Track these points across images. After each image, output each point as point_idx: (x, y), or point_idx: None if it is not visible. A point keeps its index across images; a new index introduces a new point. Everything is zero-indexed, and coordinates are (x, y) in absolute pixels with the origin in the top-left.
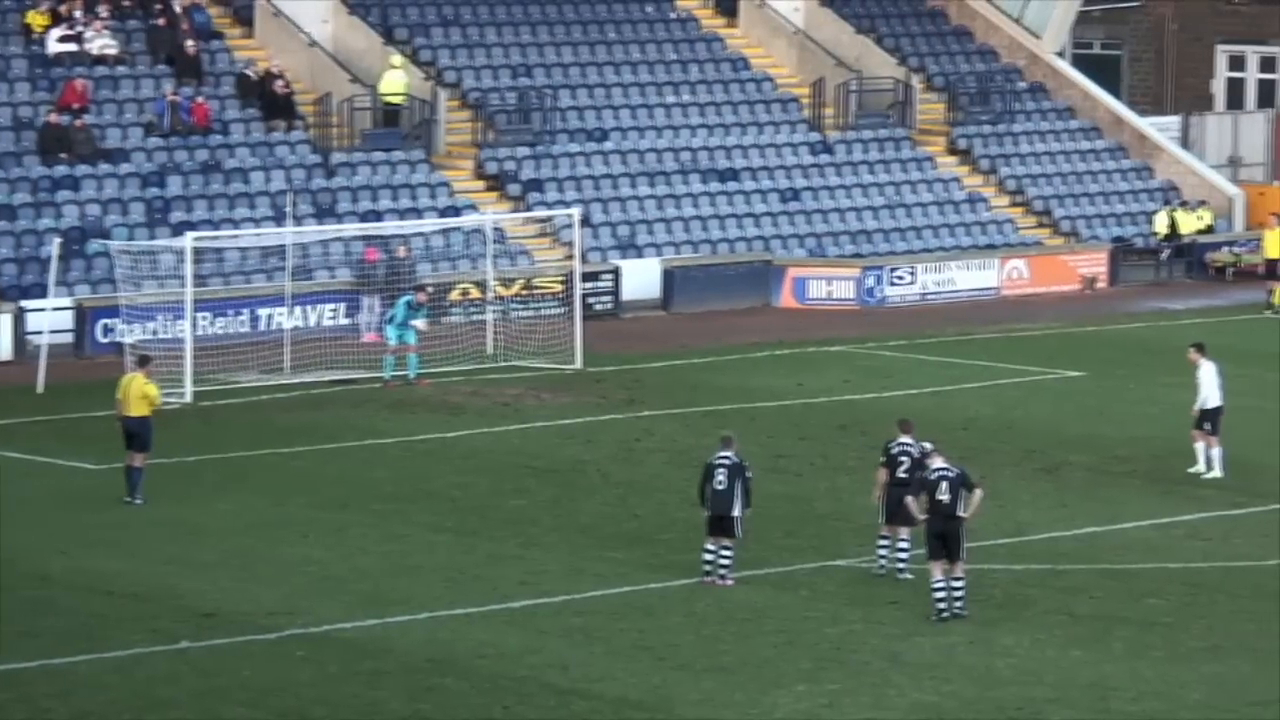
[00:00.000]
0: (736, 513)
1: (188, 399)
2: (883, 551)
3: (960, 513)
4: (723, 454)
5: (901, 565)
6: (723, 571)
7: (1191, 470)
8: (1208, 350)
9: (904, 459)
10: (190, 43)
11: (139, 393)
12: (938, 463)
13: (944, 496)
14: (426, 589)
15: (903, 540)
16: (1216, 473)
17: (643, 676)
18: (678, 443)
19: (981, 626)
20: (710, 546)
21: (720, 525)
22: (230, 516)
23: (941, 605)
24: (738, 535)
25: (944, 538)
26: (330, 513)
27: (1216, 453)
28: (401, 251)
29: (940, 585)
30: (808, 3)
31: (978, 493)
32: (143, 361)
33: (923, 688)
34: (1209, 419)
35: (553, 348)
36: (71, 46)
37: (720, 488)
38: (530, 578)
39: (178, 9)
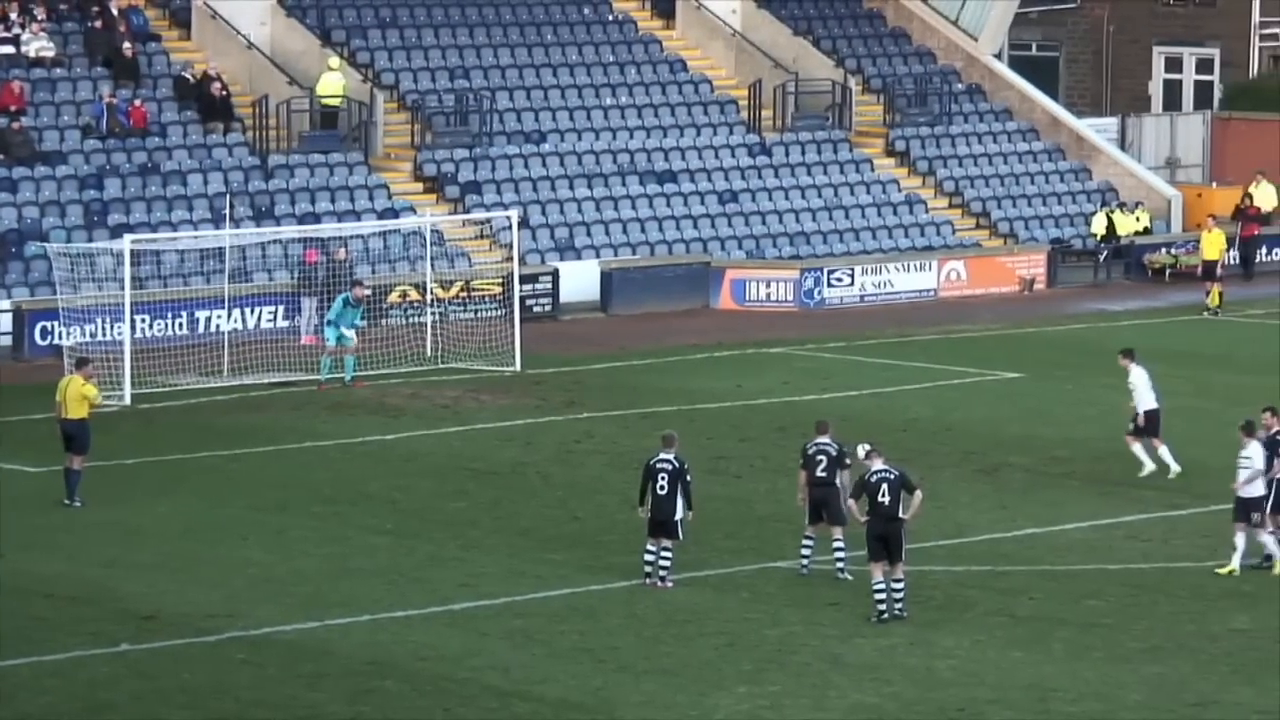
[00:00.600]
0: (679, 516)
1: (126, 401)
2: (806, 552)
3: (901, 514)
4: (664, 456)
5: (840, 566)
6: (663, 573)
7: (1143, 474)
8: (1137, 355)
9: (821, 458)
10: (127, 45)
11: (77, 394)
12: (878, 464)
13: (884, 499)
14: (367, 591)
15: (837, 540)
16: (1175, 468)
17: (584, 679)
18: (618, 445)
19: (922, 628)
20: (651, 548)
21: (663, 528)
22: (169, 519)
23: (882, 606)
24: (679, 538)
25: (885, 539)
26: (270, 515)
27: (1165, 450)
28: (341, 254)
29: (880, 586)
30: (745, 4)
31: (918, 495)
32: (81, 363)
33: (863, 689)
34: (1149, 422)
35: (492, 350)
36: (8, 49)
37: (662, 492)
38: (471, 580)
39: (115, 11)
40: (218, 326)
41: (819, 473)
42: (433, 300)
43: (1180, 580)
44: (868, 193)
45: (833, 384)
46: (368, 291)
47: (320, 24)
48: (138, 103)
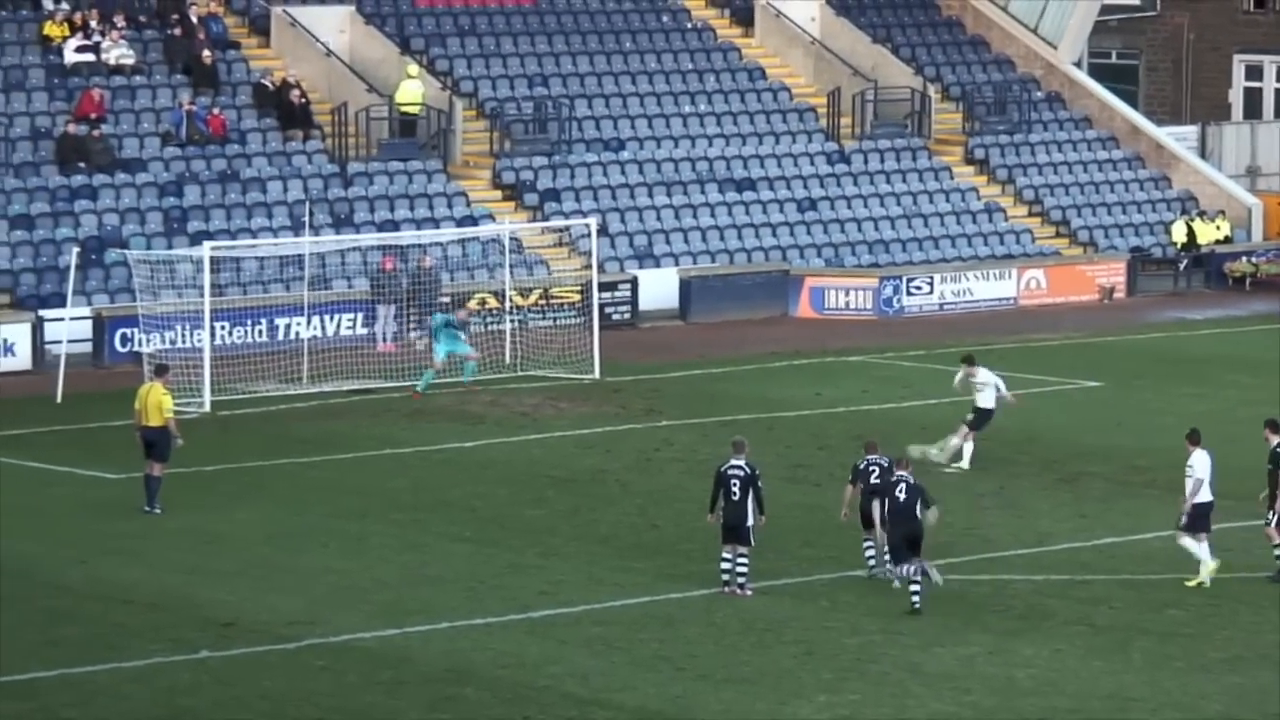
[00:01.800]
0: (750, 522)
1: (206, 408)
2: (870, 554)
3: (918, 514)
4: (735, 462)
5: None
6: (740, 581)
7: (951, 468)
8: (976, 361)
9: (874, 469)
10: (206, 52)
11: (156, 402)
12: (900, 471)
13: (901, 496)
14: (446, 599)
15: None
16: (965, 465)
17: (663, 686)
18: (696, 453)
19: (1001, 637)
20: (727, 555)
21: (735, 534)
22: (249, 526)
23: (916, 600)
24: (751, 544)
25: (908, 540)
26: (349, 522)
27: (969, 446)
28: (426, 261)
29: (914, 583)
30: (824, 12)
31: (934, 510)
32: (160, 371)
33: (942, 698)
34: (981, 420)
35: (570, 358)
36: (89, 56)
37: (735, 498)
38: (550, 587)
39: (194, 19)
40: (297, 334)
41: (873, 480)
42: (511, 308)
43: (1261, 590)
44: (947, 201)
45: (911, 392)
46: (472, 316)
47: (399, 32)
48: (217, 110)
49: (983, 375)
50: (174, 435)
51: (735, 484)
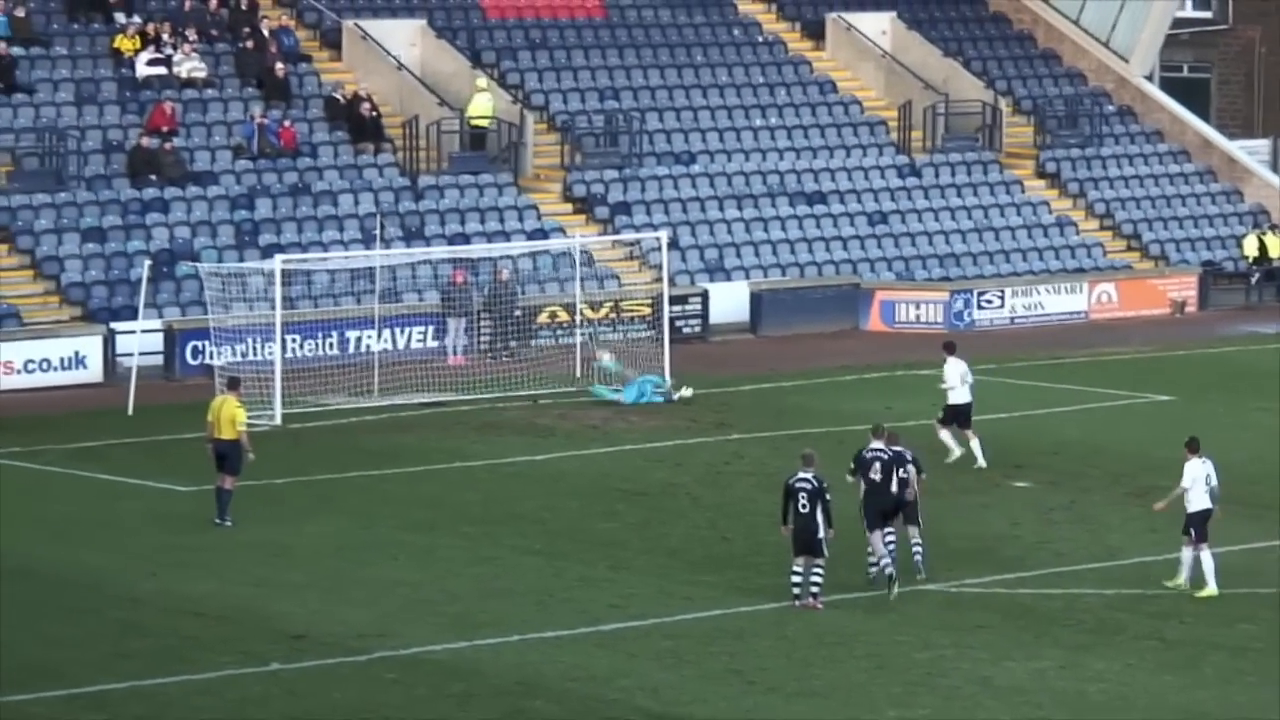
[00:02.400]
0: (820, 535)
1: (277, 421)
2: (873, 559)
3: (893, 489)
4: (803, 475)
5: (918, 561)
6: (814, 591)
7: (949, 460)
8: (956, 349)
9: (876, 463)
10: (278, 65)
11: (229, 416)
12: (874, 443)
13: (876, 476)
14: (516, 611)
15: (915, 541)
16: (981, 461)
17: (733, 700)
18: (767, 466)
19: (1073, 651)
20: (798, 568)
21: (807, 547)
22: (319, 538)
23: (874, 569)
24: (824, 555)
25: (884, 514)
26: (419, 535)
27: (975, 443)
28: (502, 275)
29: (892, 549)
30: (895, 25)
31: (912, 470)
32: (233, 384)
33: (1014, 712)
34: (958, 415)
35: (641, 371)
36: (160, 70)
37: (804, 511)
38: (620, 601)
39: (266, 32)
40: (368, 346)
41: (873, 475)
42: (582, 321)
43: None
44: (1018, 214)
45: (982, 406)
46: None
47: (470, 45)
48: (288, 123)
49: (949, 366)
50: (246, 448)
51: (803, 496)
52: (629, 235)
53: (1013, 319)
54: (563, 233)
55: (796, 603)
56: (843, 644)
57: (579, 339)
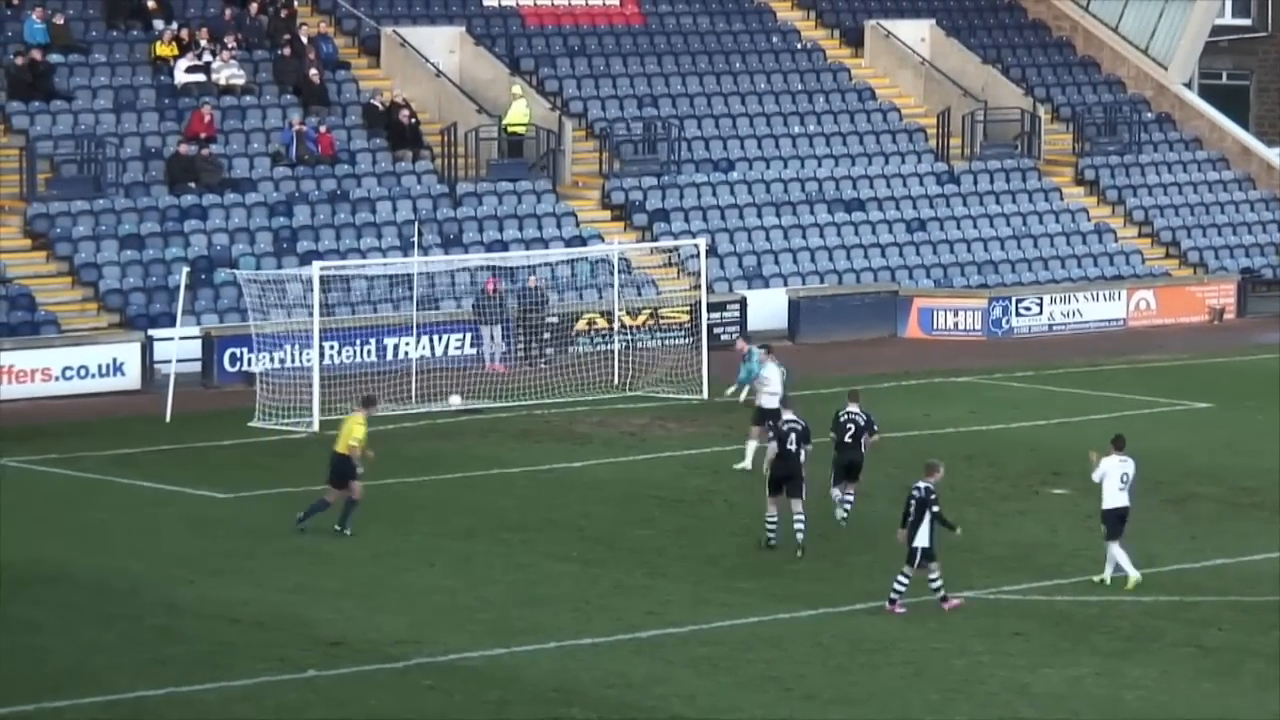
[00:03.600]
0: (921, 543)
1: (315, 428)
2: (841, 502)
3: (802, 460)
4: (920, 484)
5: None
6: (940, 594)
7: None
8: (772, 351)
9: (850, 425)
10: (316, 73)
11: (347, 431)
12: (788, 415)
13: (791, 446)
14: (553, 618)
15: (849, 494)
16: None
17: (770, 707)
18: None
19: (1110, 658)
20: (907, 574)
21: (918, 553)
22: (357, 545)
23: (771, 536)
24: (934, 559)
25: (786, 479)
26: (456, 542)
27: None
28: (532, 281)
29: (774, 519)
30: (934, 33)
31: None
32: (367, 403)
33: (1051, 719)
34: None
35: (679, 378)
36: (199, 77)
37: (910, 519)
38: (657, 608)
39: (304, 39)
40: (406, 353)
41: (846, 439)
42: (620, 328)
43: None
44: (1056, 222)
45: (1020, 413)
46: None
47: (509, 52)
48: (326, 130)
49: (768, 368)
50: (356, 463)
51: (912, 504)
52: (667, 242)
53: (1051, 326)
54: (601, 240)
55: (895, 607)
56: (880, 651)
57: (617, 346)
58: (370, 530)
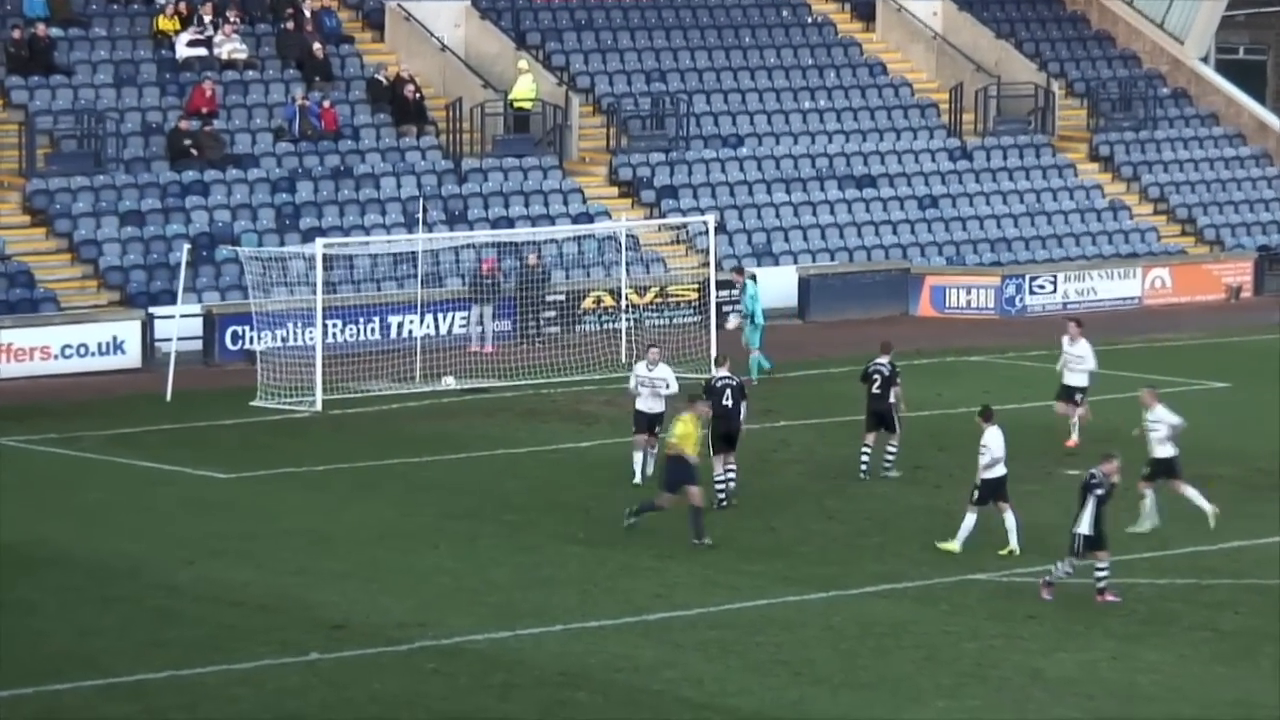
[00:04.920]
0: (1086, 530)
1: (318, 407)
2: (865, 457)
3: (741, 417)
4: (1094, 469)
5: (888, 465)
6: (1101, 586)
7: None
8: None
9: (876, 376)
10: (319, 47)
11: (683, 433)
12: (722, 372)
13: (727, 402)
14: (559, 601)
15: (891, 446)
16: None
17: (780, 691)
18: (815, 454)
19: (1125, 642)
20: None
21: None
22: (360, 526)
23: (721, 495)
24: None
25: (727, 437)
26: (461, 523)
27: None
28: (532, 259)
29: (721, 476)
30: (946, 6)
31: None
32: (692, 400)
33: (1064, 704)
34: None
35: (687, 356)
36: (201, 51)
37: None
38: (665, 590)
39: (307, 13)
40: (410, 332)
41: (874, 389)
42: (627, 306)
43: None
44: (1070, 198)
45: (1034, 392)
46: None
47: (515, 26)
48: (329, 105)
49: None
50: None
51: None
52: (675, 219)
53: (1065, 305)
54: (608, 216)
55: (1044, 591)
56: (891, 634)
57: (624, 324)
58: (373, 511)
